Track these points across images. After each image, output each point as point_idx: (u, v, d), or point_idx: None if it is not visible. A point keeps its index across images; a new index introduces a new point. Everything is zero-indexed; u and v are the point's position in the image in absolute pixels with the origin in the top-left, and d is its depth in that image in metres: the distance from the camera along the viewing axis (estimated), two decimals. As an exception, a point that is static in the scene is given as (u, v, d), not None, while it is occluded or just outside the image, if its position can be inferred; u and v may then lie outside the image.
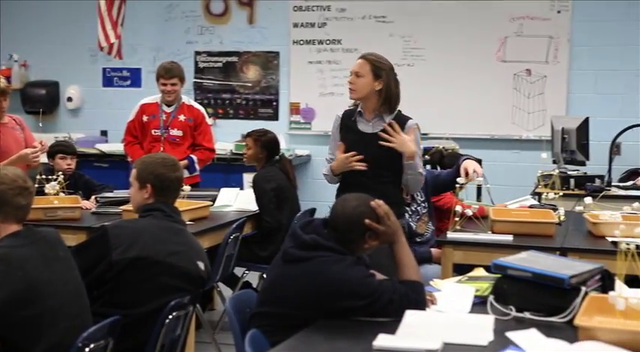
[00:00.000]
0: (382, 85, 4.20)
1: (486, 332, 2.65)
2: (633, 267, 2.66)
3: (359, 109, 4.32)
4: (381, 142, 4.10)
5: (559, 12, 7.67)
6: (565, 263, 3.05)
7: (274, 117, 8.53)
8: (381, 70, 4.20)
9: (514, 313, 2.82)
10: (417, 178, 4.24)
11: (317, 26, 8.28)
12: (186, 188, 4.90)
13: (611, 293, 2.67)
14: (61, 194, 5.05)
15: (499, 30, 7.82)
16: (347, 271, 2.88)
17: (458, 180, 4.56)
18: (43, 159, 5.62)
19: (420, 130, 4.31)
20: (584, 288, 2.79)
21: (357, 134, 4.28)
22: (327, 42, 8.26)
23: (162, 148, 6.06)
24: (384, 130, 4.13)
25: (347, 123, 4.34)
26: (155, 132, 6.18)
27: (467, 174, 4.62)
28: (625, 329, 2.49)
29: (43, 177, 4.97)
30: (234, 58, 8.60)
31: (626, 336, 2.41)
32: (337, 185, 4.37)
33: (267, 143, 5.80)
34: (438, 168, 6.22)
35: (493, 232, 4.33)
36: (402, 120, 4.24)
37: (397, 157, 4.17)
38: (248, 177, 6.09)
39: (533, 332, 2.62)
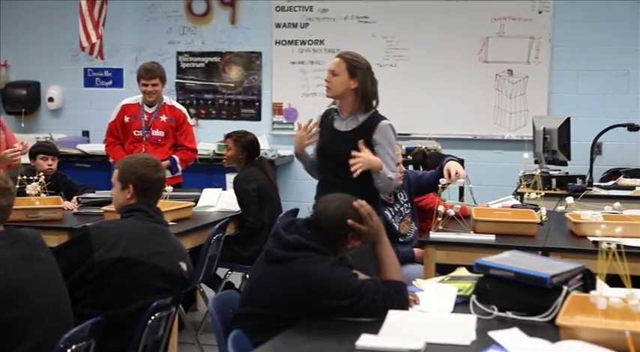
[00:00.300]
0: (358, 84, 4.21)
1: (469, 332, 2.65)
2: (614, 267, 2.67)
3: (336, 107, 4.34)
4: (354, 173, 4.06)
5: (540, 12, 7.71)
6: (547, 262, 3.06)
7: (257, 117, 8.52)
8: (356, 68, 4.21)
9: (496, 312, 2.83)
10: (387, 183, 4.22)
11: (299, 26, 8.28)
12: (169, 188, 4.89)
13: (592, 292, 2.68)
14: (43, 195, 5.02)
15: (481, 30, 7.85)
16: (330, 271, 2.88)
17: (440, 180, 4.58)
18: (25, 159, 5.60)
19: (394, 130, 4.28)
20: (565, 288, 2.80)
21: (333, 132, 4.31)
22: (310, 42, 8.26)
23: (144, 149, 6.04)
24: (353, 154, 4.09)
25: (325, 122, 4.38)
26: (137, 132, 6.16)
27: (450, 175, 4.64)
28: (606, 328, 2.50)
29: (24, 177, 4.94)
30: (216, 59, 8.59)
31: (608, 335, 2.42)
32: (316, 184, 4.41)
33: (247, 144, 5.79)
34: (421, 169, 6.23)
35: (475, 232, 4.35)
36: (375, 120, 4.24)
37: None
38: (231, 178, 6.08)
39: (515, 332, 2.63)
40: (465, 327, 2.70)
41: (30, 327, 2.76)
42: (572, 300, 2.73)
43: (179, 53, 8.65)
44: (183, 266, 3.47)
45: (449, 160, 4.80)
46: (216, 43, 8.57)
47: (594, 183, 6.25)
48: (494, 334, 2.61)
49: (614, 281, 2.85)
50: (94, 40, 7.74)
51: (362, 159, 4.07)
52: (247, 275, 5.41)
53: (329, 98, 4.35)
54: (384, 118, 4.27)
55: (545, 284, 2.79)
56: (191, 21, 8.62)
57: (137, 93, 6.30)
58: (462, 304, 3.02)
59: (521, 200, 5.31)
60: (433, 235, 4.31)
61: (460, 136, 7.91)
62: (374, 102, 4.28)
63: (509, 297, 2.85)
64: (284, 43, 8.33)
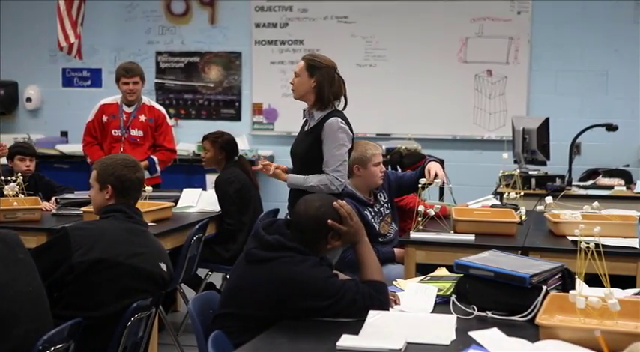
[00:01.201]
0: (316, 83, 4.24)
1: (449, 332, 2.66)
2: (593, 266, 2.68)
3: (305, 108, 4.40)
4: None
5: (519, 13, 7.74)
6: (526, 262, 3.07)
7: (237, 117, 8.51)
8: (315, 68, 4.26)
9: (476, 312, 2.84)
10: (315, 190, 4.17)
11: (279, 27, 8.27)
12: (148, 189, 4.88)
13: (571, 291, 2.70)
14: (21, 195, 4.99)
15: (460, 31, 7.88)
16: (310, 271, 2.88)
17: (420, 180, 4.59)
18: (2, 160, 5.57)
19: (342, 128, 4.22)
20: (544, 287, 2.81)
21: (300, 133, 4.44)
22: (290, 42, 8.26)
23: (122, 149, 6.02)
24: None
25: (303, 124, 4.45)
26: (115, 132, 6.14)
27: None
28: (585, 327, 2.51)
29: (2, 178, 4.91)
30: (195, 59, 8.57)
31: (586, 334, 2.43)
32: None
33: (225, 144, 5.78)
34: (399, 169, 6.24)
35: (455, 232, 4.36)
36: (326, 118, 4.26)
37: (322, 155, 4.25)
38: (211, 178, 6.06)
39: (495, 331, 2.64)
40: (445, 327, 2.71)
41: (8, 328, 2.74)
42: (551, 300, 2.74)
43: (158, 53, 8.62)
44: (163, 266, 3.46)
45: (430, 161, 4.81)
46: (196, 43, 8.56)
47: (573, 183, 6.30)
48: (474, 333, 2.61)
49: (592, 280, 2.86)
50: (72, 39, 7.70)
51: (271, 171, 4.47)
52: (228, 276, 5.39)
53: (295, 100, 4.40)
54: (336, 116, 4.26)
55: (525, 283, 2.80)
56: (170, 21, 8.60)
57: (116, 94, 6.28)
58: (442, 304, 3.02)
59: (501, 200, 5.33)
60: (413, 235, 4.33)
61: (440, 136, 7.94)
62: (337, 102, 4.31)
63: (489, 297, 2.86)
64: (264, 43, 8.33)
